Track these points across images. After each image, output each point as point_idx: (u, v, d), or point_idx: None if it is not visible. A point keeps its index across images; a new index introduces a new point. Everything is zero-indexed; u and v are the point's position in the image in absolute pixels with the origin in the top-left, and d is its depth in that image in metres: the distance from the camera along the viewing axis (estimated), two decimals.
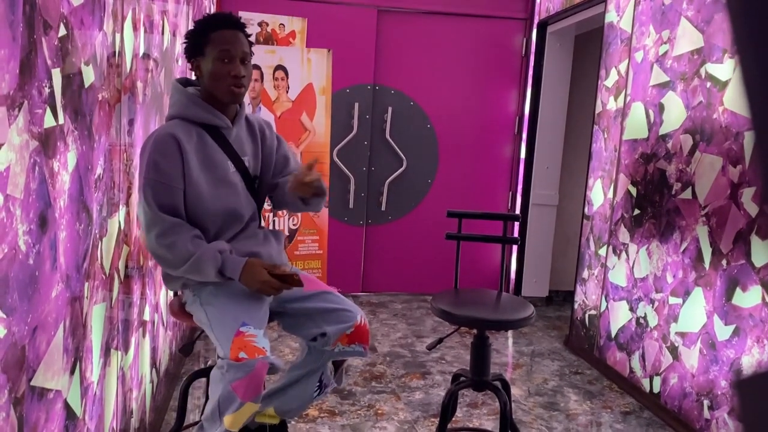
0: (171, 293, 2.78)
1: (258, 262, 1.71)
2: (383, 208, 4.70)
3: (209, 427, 1.67)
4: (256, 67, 3.72)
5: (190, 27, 1.82)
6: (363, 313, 1.86)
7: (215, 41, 1.74)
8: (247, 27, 1.83)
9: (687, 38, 2.75)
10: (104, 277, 1.59)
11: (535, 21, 4.55)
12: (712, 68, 2.58)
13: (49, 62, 1.11)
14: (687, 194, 2.70)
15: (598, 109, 3.55)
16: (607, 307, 3.36)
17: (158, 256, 1.71)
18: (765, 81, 0.35)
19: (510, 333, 4.00)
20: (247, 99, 3.67)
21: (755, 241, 2.30)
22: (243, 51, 1.76)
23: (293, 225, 4.02)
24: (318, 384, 1.92)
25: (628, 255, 3.16)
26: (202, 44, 1.75)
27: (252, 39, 1.85)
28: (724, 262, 2.45)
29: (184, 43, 1.80)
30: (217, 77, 1.74)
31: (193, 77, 1.87)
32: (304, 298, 1.84)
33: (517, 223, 4.67)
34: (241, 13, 4.13)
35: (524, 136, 4.68)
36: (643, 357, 2.99)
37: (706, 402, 2.51)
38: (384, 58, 4.56)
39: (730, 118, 2.46)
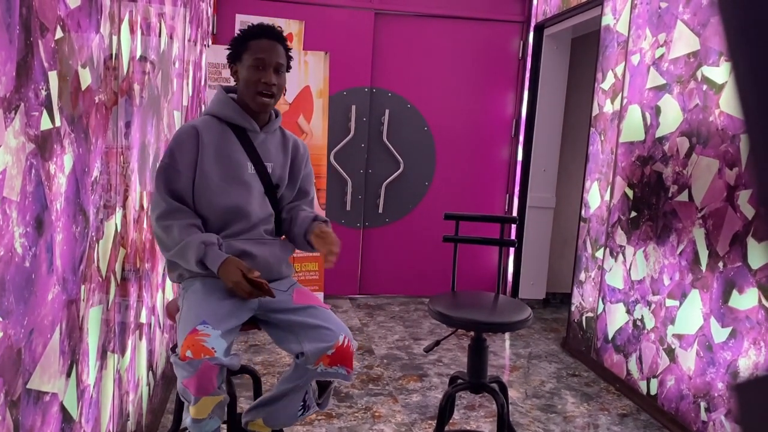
0: (167, 296, 2.77)
1: (236, 262, 1.73)
2: (380, 210, 4.70)
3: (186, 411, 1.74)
4: None
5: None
6: (348, 333, 1.80)
7: (252, 49, 1.84)
8: (288, 41, 1.92)
9: (683, 41, 2.76)
10: (101, 279, 1.59)
11: (532, 24, 4.56)
12: (708, 71, 2.59)
13: (45, 65, 1.11)
14: (684, 197, 2.71)
15: (595, 111, 3.56)
16: (604, 309, 3.36)
17: (157, 236, 1.82)
18: (757, 84, 0.35)
19: (507, 335, 4.00)
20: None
21: (752, 244, 2.30)
22: (277, 61, 1.85)
23: None
24: (302, 403, 1.90)
25: (624, 257, 3.17)
26: (241, 51, 1.86)
27: (292, 54, 1.95)
28: (720, 264, 2.45)
29: (228, 49, 1.92)
30: (248, 83, 1.84)
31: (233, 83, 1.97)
32: (290, 311, 1.82)
33: (514, 226, 4.68)
34: (238, 17, 4.13)
35: (521, 138, 4.69)
36: (640, 359, 2.99)
37: (703, 404, 2.52)
38: (381, 60, 4.57)
39: (727, 121, 2.46)
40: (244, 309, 1.78)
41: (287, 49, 1.90)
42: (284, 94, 3.98)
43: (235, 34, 1.90)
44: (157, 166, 1.81)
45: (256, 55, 1.82)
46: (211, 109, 1.91)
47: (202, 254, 1.72)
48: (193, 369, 1.57)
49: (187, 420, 1.71)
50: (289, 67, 1.92)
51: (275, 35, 1.87)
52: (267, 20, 4.14)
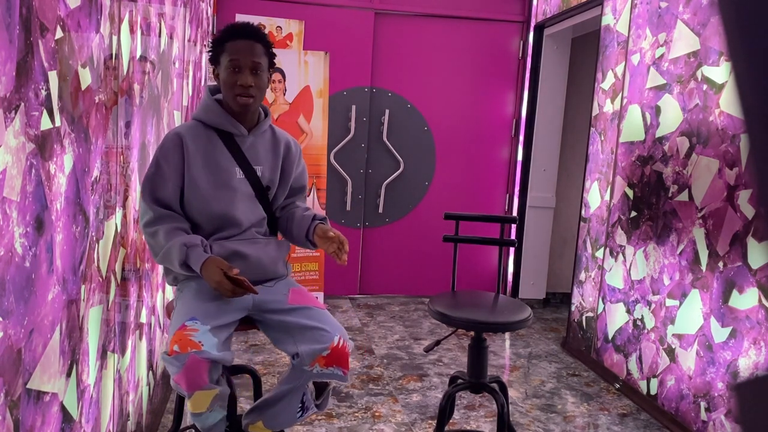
0: (167, 296, 2.77)
1: (217, 261, 1.70)
2: (380, 210, 4.70)
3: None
4: None
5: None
6: (344, 333, 1.80)
7: (228, 51, 1.81)
8: (268, 37, 1.87)
9: (683, 41, 2.76)
10: (101, 279, 1.59)
11: (532, 24, 4.56)
12: (708, 71, 2.59)
13: (45, 65, 1.11)
14: (684, 196, 2.71)
15: (595, 111, 3.56)
16: (604, 309, 3.36)
17: (148, 244, 1.83)
18: (757, 84, 0.35)
19: (507, 335, 4.00)
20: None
21: (752, 243, 2.30)
22: (253, 61, 1.80)
23: None
24: (300, 404, 1.89)
25: (624, 257, 3.17)
26: (219, 53, 1.83)
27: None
28: (720, 264, 2.45)
29: (209, 51, 1.89)
30: (226, 86, 1.82)
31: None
32: (285, 311, 1.82)
33: (514, 226, 4.68)
34: (238, 16, 4.13)
35: (521, 138, 4.69)
36: (640, 359, 2.99)
37: (703, 404, 2.52)
38: (381, 60, 4.57)
39: (727, 121, 2.46)
40: (236, 307, 1.78)
41: (268, 46, 1.85)
42: (284, 94, 3.99)
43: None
44: (144, 175, 1.80)
45: (232, 56, 1.79)
46: (197, 114, 1.89)
47: (184, 256, 1.71)
48: (180, 364, 1.58)
49: (189, 413, 1.73)
50: (272, 64, 1.87)
51: (252, 34, 1.82)
52: (267, 20, 4.15)
